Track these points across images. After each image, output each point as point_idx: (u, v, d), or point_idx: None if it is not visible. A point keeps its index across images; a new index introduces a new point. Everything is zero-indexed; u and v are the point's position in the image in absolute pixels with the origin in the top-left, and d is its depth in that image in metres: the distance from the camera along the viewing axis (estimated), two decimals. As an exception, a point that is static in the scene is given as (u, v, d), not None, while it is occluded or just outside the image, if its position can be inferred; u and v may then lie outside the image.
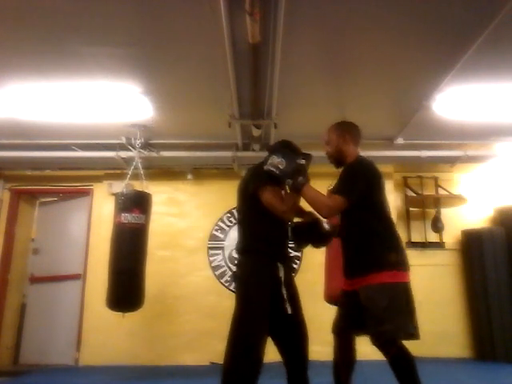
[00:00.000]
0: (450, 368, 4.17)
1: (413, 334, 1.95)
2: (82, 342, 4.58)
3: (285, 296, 2.10)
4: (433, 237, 5.04)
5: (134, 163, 4.12)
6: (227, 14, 2.36)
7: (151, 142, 4.38)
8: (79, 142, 4.34)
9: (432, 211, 5.10)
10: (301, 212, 2.34)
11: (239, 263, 2.25)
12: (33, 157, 4.42)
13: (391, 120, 4.05)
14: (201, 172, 4.99)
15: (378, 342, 1.96)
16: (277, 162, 2.06)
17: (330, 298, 2.75)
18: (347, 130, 2.28)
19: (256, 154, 4.39)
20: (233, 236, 4.81)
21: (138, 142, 4.14)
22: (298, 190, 2.08)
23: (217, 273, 4.79)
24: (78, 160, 4.55)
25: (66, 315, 4.83)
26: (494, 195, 5.10)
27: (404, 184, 5.15)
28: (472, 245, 4.78)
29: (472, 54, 2.76)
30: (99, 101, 3.48)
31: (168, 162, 4.70)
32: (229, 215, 4.92)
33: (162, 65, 3.08)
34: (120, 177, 4.41)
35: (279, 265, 2.16)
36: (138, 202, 3.77)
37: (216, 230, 4.92)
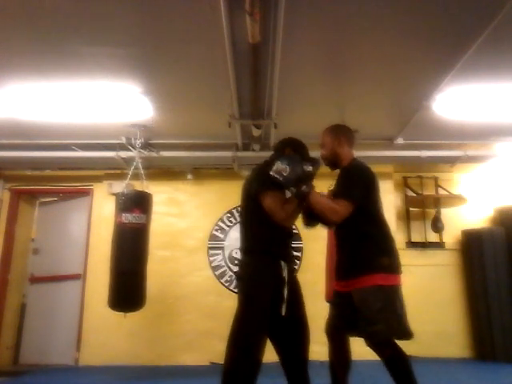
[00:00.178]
0: (450, 368, 4.17)
1: (406, 334, 1.96)
2: (82, 341, 4.58)
3: (285, 297, 2.10)
4: (433, 237, 5.02)
5: (134, 163, 4.12)
6: (227, 14, 2.36)
7: (151, 141, 4.38)
8: (79, 142, 4.34)
9: (432, 211, 5.10)
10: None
11: (242, 263, 2.25)
12: (33, 157, 4.42)
13: (391, 120, 4.04)
14: (201, 172, 4.99)
15: (372, 343, 1.98)
16: (281, 169, 2.03)
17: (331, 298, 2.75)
18: (341, 132, 2.31)
19: (256, 154, 4.40)
20: (233, 236, 4.82)
21: (138, 142, 4.14)
22: (301, 199, 2.08)
23: (217, 273, 4.79)
24: (77, 160, 4.55)
25: (66, 315, 4.83)
26: (494, 195, 5.10)
27: (404, 184, 5.16)
28: (472, 245, 4.78)
29: (472, 54, 2.76)
30: (99, 101, 3.48)
31: (168, 162, 4.70)
32: (229, 215, 4.92)
33: (162, 65, 3.08)
34: (120, 177, 4.42)
35: (283, 264, 2.15)
36: (139, 202, 3.77)
37: (216, 230, 4.92)
